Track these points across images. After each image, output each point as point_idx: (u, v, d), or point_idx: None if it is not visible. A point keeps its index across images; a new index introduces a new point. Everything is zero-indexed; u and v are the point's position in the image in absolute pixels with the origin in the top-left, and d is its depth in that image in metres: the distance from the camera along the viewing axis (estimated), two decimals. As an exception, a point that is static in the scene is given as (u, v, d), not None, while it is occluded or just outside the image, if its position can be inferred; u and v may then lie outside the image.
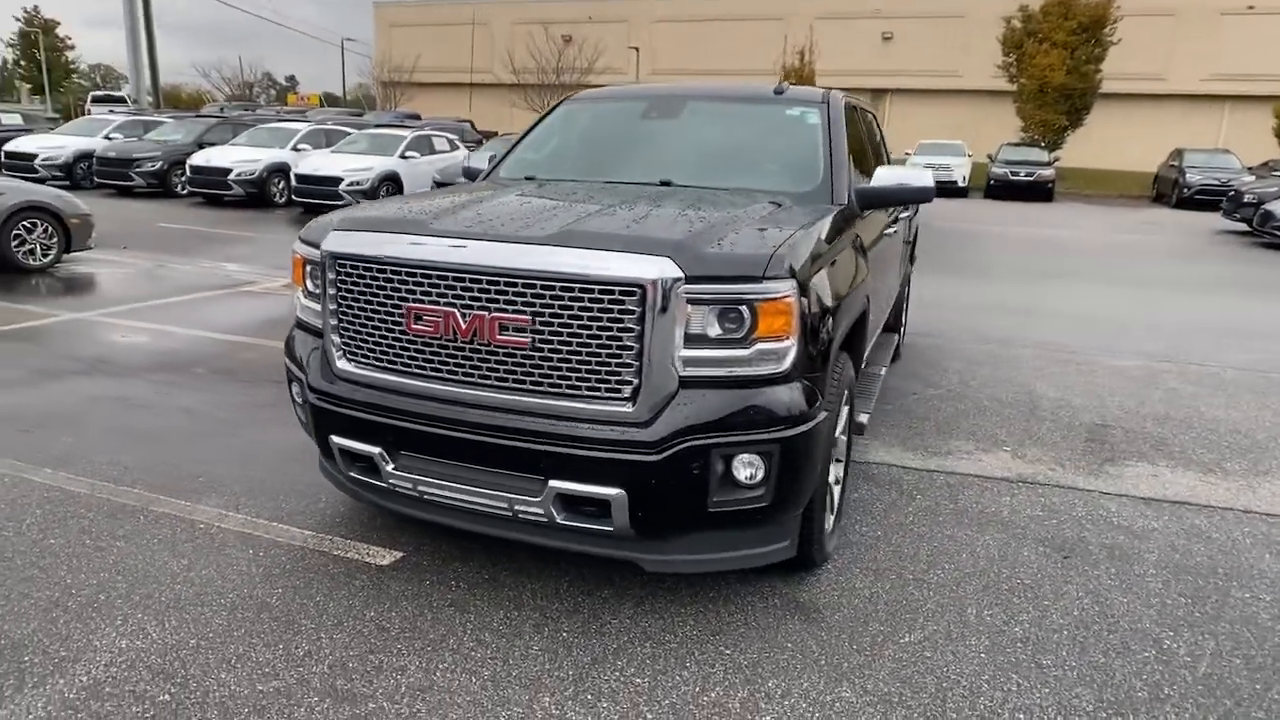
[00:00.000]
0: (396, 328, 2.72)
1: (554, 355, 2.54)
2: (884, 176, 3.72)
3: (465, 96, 41.50)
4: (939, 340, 7.35)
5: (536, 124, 4.49)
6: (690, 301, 2.49)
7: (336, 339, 2.88)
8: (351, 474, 2.97)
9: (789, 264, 2.58)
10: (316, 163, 14.29)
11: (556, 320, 2.52)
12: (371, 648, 2.63)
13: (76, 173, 16.24)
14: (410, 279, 2.66)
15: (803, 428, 2.62)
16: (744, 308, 2.52)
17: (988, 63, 31.39)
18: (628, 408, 2.51)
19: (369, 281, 2.75)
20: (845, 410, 3.38)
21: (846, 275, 3.12)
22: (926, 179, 3.75)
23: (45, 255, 8.59)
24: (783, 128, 4.02)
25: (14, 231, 8.34)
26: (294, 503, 3.60)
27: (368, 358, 2.82)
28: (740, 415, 2.54)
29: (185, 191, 15.44)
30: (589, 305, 2.49)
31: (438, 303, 2.63)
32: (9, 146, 16.63)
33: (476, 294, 2.58)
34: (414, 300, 2.67)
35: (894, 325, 6.11)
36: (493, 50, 39.80)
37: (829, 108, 4.00)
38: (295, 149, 15.39)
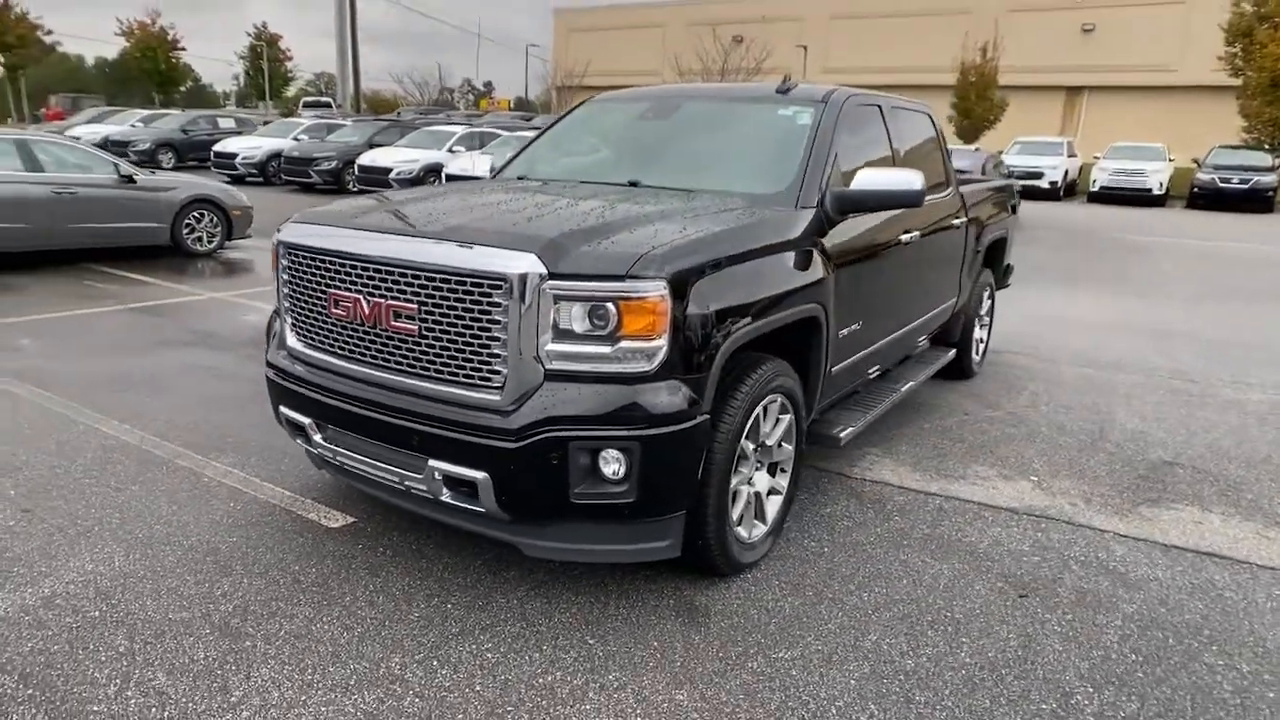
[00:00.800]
0: (323, 310, 3.00)
1: (436, 343, 2.71)
2: (865, 180, 3.57)
3: (640, 100, 42.49)
4: (1035, 359, 6.81)
5: (554, 123, 4.68)
6: (557, 297, 2.57)
7: (288, 319, 3.21)
8: (298, 441, 3.30)
9: (663, 265, 2.60)
10: (464, 163, 15.27)
11: (438, 310, 2.68)
12: (277, 595, 2.92)
13: (269, 170, 18.38)
14: (331, 267, 2.93)
15: (669, 428, 2.62)
16: (609, 305, 2.56)
17: (1208, 55, 28.04)
18: (495, 396, 2.63)
19: (305, 268, 3.04)
20: (785, 419, 3.30)
21: (770, 280, 3.05)
22: (912, 183, 3.56)
23: (210, 241, 9.86)
24: (770, 128, 3.95)
25: (185, 221, 9.64)
26: (290, 465, 4.00)
27: (306, 336, 3.12)
28: (602, 410, 2.58)
29: (355, 188, 17.05)
30: (462, 296, 2.63)
31: (348, 289, 2.88)
32: (217, 147, 19.11)
33: (377, 282, 2.80)
34: (334, 286, 2.93)
35: (953, 339, 5.76)
36: (664, 53, 40.42)
37: (825, 108, 3.88)
38: (450, 150, 16.56)
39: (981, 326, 6.36)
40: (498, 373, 2.63)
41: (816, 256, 3.40)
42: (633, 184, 3.72)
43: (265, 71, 49.44)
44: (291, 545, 3.28)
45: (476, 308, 2.62)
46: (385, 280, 2.77)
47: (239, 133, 21.91)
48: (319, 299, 3.01)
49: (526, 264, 2.56)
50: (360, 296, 2.84)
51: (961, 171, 13.65)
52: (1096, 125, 34.23)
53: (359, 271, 2.84)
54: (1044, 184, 23.34)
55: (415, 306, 2.72)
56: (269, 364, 3.29)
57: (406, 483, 2.85)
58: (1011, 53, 30.73)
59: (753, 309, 2.92)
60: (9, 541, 3.21)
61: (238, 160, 18.51)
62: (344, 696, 2.41)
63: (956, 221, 5.16)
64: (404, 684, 2.48)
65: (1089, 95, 35.34)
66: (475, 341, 2.64)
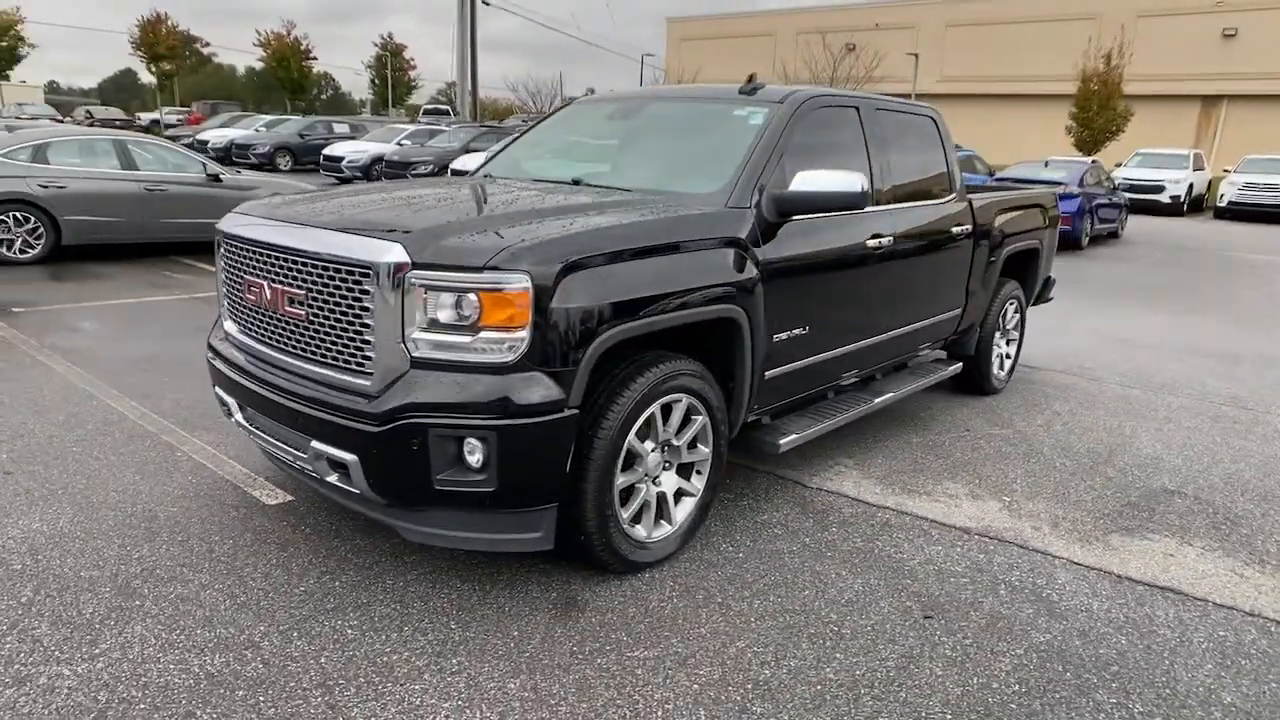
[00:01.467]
0: (243, 294, 3.18)
1: (320, 327, 2.83)
2: (803, 181, 3.48)
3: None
4: (1079, 378, 6.40)
5: (538, 123, 4.77)
6: (425, 287, 2.64)
7: (225, 303, 3.42)
8: (231, 420, 3.50)
9: (528, 259, 2.63)
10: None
11: (319, 296, 2.81)
12: (186, 563, 3.11)
13: (372, 173, 19.34)
14: (248, 254, 3.11)
15: (529, 420, 2.64)
16: (472, 296, 2.62)
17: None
18: (366, 381, 2.73)
19: (233, 255, 3.24)
20: (698, 420, 3.26)
21: (665, 278, 3.01)
22: (851, 184, 3.46)
23: (285, 238, 10.50)
24: (721, 129, 3.90)
25: (264, 218, 10.30)
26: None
27: (234, 319, 3.32)
28: (461, 399, 2.63)
29: (443, 191, 17.68)
30: (338, 284, 2.75)
31: (258, 275, 3.05)
32: (325, 151, 20.27)
33: (277, 269, 2.95)
34: (249, 272, 3.11)
35: (966, 352, 5.51)
36: (774, 61, 39.90)
37: (780, 108, 3.80)
38: (537, 155, 16.92)
39: (1008, 342, 6.04)
40: (369, 358, 2.73)
41: (742, 257, 3.34)
42: (575, 182, 3.76)
43: (389, 80, 52.18)
44: (223, 518, 3.48)
45: (350, 295, 2.72)
46: (282, 267, 2.92)
47: (352, 138, 23.16)
48: (240, 284, 3.19)
49: (394, 254, 2.64)
50: (265, 282, 3.00)
51: (1055, 183, 13.02)
52: (1236, 137, 31.54)
53: (265, 258, 3.00)
54: (1164, 198, 21.84)
55: (303, 292, 2.85)
56: (208, 345, 3.51)
57: (299, 462, 2.98)
58: (1141, 59, 28.84)
59: (638, 306, 2.89)
60: (-20, 498, 3.55)
61: (343, 164, 19.60)
62: (196, 657, 2.55)
63: (958, 229, 4.92)
64: (256, 650, 2.60)
65: (1228, 105, 32.59)
66: (350, 327, 2.75)
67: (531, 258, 2.64)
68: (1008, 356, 6.11)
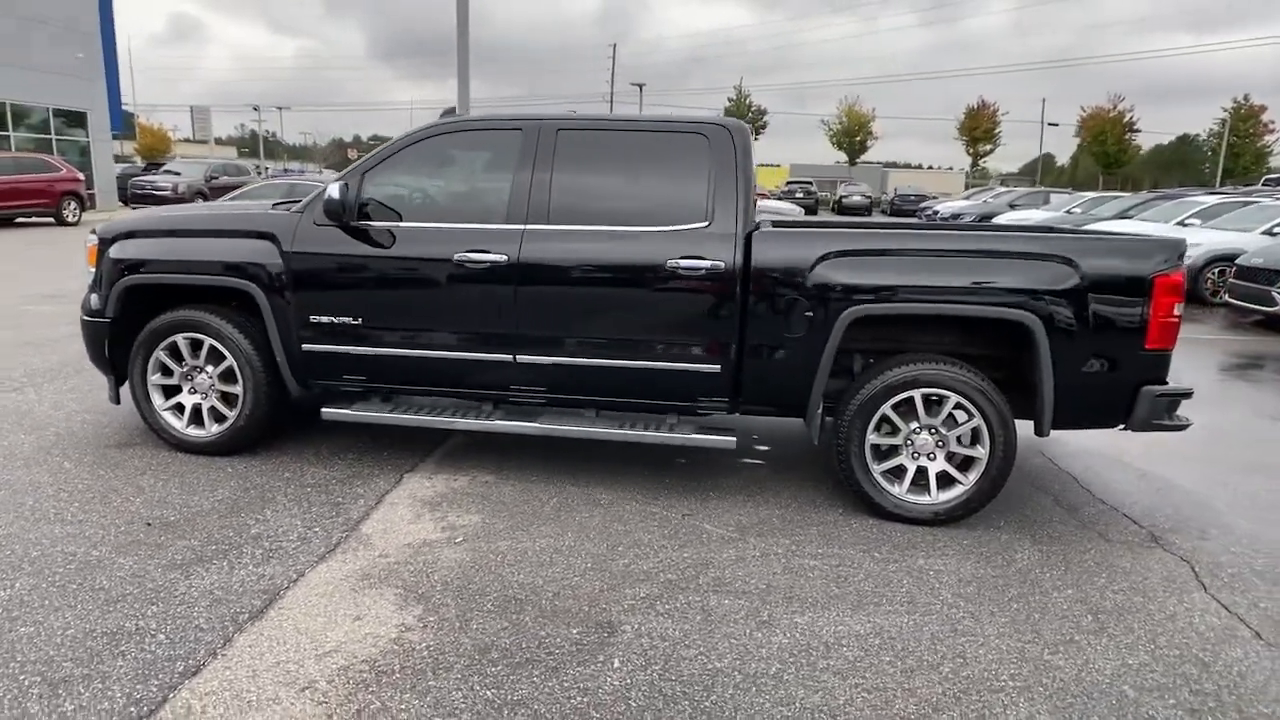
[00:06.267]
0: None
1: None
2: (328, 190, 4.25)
3: None
4: (1141, 543, 3.87)
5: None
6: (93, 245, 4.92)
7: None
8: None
9: (102, 231, 4.67)
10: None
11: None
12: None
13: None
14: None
15: (88, 319, 4.65)
16: (90, 249, 4.77)
17: None
18: (96, 296, 5.14)
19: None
20: (225, 362, 4.53)
21: (187, 250, 4.50)
22: (329, 192, 4.12)
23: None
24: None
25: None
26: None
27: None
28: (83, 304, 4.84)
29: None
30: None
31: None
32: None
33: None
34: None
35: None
36: None
37: (409, 133, 4.47)
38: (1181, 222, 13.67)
39: (951, 456, 4.06)
40: (95, 283, 5.13)
41: (269, 247, 4.38)
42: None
43: (1223, 146, 44.56)
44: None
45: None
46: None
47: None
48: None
49: (94, 229, 5.00)
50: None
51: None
52: None
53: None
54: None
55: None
56: None
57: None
58: None
59: (150, 265, 4.49)
60: None
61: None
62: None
63: (687, 264, 4.02)
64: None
65: None
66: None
67: (104, 231, 4.65)
68: (951, 480, 4.08)
